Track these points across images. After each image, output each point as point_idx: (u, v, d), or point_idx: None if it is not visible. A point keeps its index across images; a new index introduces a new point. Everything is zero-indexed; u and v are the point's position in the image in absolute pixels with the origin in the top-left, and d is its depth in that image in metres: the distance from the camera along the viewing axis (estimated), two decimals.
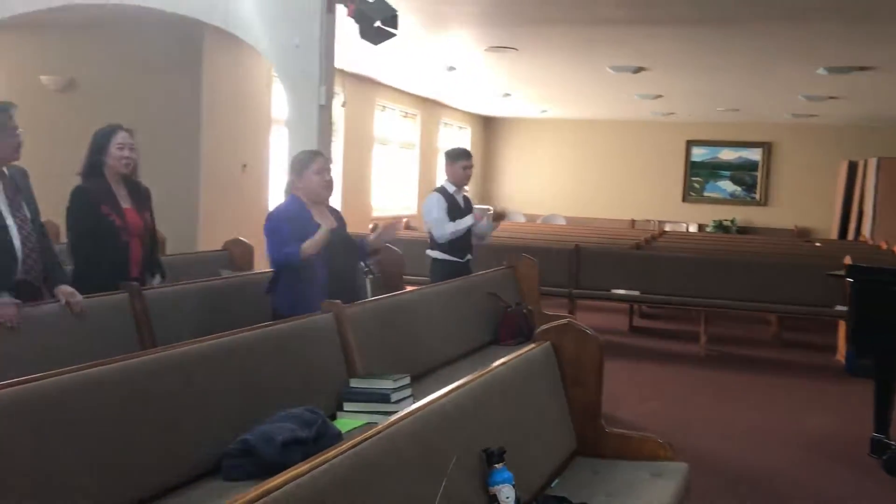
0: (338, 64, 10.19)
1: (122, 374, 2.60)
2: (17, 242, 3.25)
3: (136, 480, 2.44)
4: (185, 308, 4.17)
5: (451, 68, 10.48)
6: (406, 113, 13.75)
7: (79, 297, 3.52)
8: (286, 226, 4.02)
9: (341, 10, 6.03)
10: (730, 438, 5.24)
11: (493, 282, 5.63)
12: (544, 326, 3.31)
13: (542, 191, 16.96)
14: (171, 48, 8.02)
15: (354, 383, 3.48)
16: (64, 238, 4.32)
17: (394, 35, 6.04)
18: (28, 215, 3.31)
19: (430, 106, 14.45)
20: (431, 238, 5.83)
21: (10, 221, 3.23)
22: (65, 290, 3.51)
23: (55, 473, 2.23)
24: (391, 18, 5.94)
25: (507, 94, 13.06)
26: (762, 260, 8.57)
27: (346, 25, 6.02)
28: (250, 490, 1.58)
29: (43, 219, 3.62)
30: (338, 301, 3.73)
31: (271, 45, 6.12)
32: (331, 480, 1.76)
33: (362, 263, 4.99)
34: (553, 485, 2.87)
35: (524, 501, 2.42)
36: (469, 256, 5.87)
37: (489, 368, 2.89)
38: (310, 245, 3.90)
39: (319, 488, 1.71)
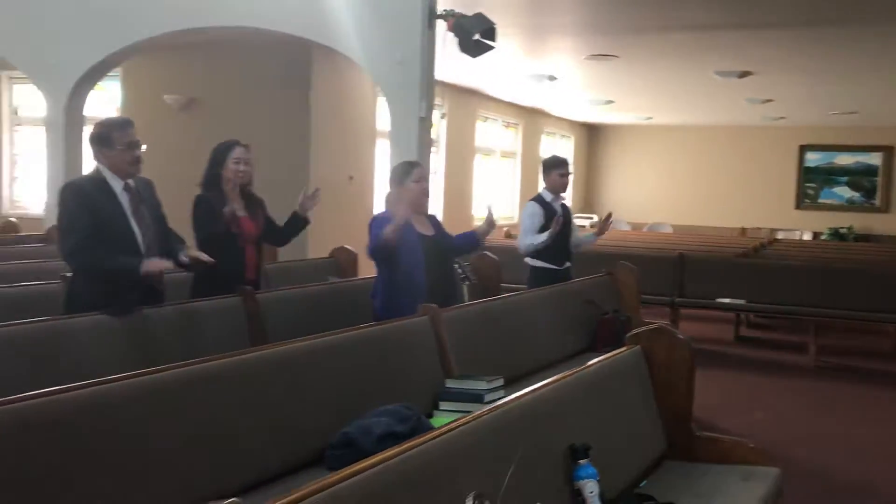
0: (439, 76, 10.44)
1: (234, 369, 2.83)
2: (141, 248, 3.55)
3: (245, 466, 2.65)
4: (294, 310, 4.42)
5: (552, 78, 10.55)
6: (508, 123, 13.88)
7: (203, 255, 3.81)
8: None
9: (441, 25, 6.24)
10: (835, 452, 5.09)
11: (591, 289, 5.66)
12: (636, 331, 3.36)
13: (648, 199, 16.70)
14: (282, 66, 8.46)
15: (450, 384, 3.62)
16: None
17: (492, 48, 6.20)
18: (150, 222, 3.62)
19: (532, 115, 14.53)
20: None
21: (134, 227, 3.55)
22: (188, 251, 3.80)
23: (171, 454, 2.46)
24: (489, 31, 6.10)
25: (610, 102, 12.99)
26: (878, 268, 8.22)
27: (446, 39, 6.21)
28: (346, 469, 1.74)
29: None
30: (434, 305, 3.88)
31: (375, 61, 6.38)
32: (418, 465, 1.90)
33: (459, 269, 5.16)
34: (641, 485, 2.92)
35: (609, 498, 2.48)
36: (568, 264, 5.91)
37: (578, 369, 2.98)
38: (389, 229, 4.02)
39: (407, 471, 1.85)
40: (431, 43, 6.36)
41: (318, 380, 3.10)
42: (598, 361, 3.14)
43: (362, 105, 9.35)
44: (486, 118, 13.05)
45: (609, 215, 6.10)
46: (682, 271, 8.28)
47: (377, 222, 4.27)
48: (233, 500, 1.33)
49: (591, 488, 2.41)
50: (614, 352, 3.26)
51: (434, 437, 2.03)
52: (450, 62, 7.35)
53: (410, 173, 4.34)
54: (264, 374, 2.91)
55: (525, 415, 2.49)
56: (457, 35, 6.13)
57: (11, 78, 10.29)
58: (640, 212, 16.73)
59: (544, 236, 5.62)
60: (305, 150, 8.58)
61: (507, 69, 10.12)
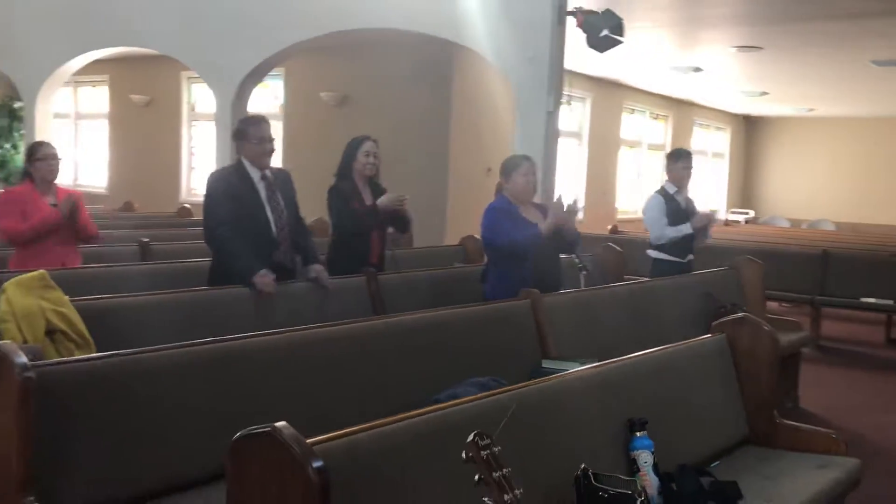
0: (583, 69, 10.56)
1: (351, 333, 3.27)
2: (273, 231, 4.04)
3: (343, 418, 3.03)
4: (412, 291, 4.80)
5: (697, 69, 10.39)
6: (657, 115, 13.72)
7: (326, 276, 4.25)
8: (505, 217, 4.49)
9: (571, 22, 6.43)
10: None
11: (712, 282, 5.68)
12: (721, 319, 3.47)
13: (808, 195, 15.91)
14: (425, 64, 8.92)
15: (546, 364, 3.86)
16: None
17: (620, 42, 6.33)
18: (283, 209, 4.09)
19: (681, 107, 14.27)
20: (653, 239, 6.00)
21: (269, 214, 4.04)
22: (317, 268, 4.26)
23: (288, 396, 2.87)
24: (617, 27, 6.24)
25: (765, 93, 12.56)
26: None
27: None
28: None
29: (314, 216, 4.37)
30: (535, 290, 4.13)
31: (506, 57, 6.68)
32: (471, 416, 2.21)
33: (577, 259, 5.34)
34: (713, 464, 3.05)
35: (665, 471, 2.66)
36: (691, 256, 5.95)
37: (658, 349, 3.15)
38: (548, 225, 4.29)
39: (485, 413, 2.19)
40: (561, 40, 6.57)
41: (422, 350, 3.45)
42: (682, 345, 3.29)
43: (500, 99, 9.66)
44: (633, 110, 12.98)
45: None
46: (824, 269, 8.00)
47: (493, 213, 4.54)
48: (283, 423, 1.67)
49: (644, 458, 2.60)
50: (698, 338, 3.38)
51: (497, 394, 2.33)
52: (594, 54, 7.43)
53: (519, 167, 4.57)
54: (378, 341, 3.32)
55: (592, 385, 2.73)
56: (585, 31, 6.31)
57: (189, 78, 11.38)
58: (799, 208, 16.00)
59: (687, 227, 5.68)
60: (445, 143, 9.01)
61: (652, 61, 10.08)
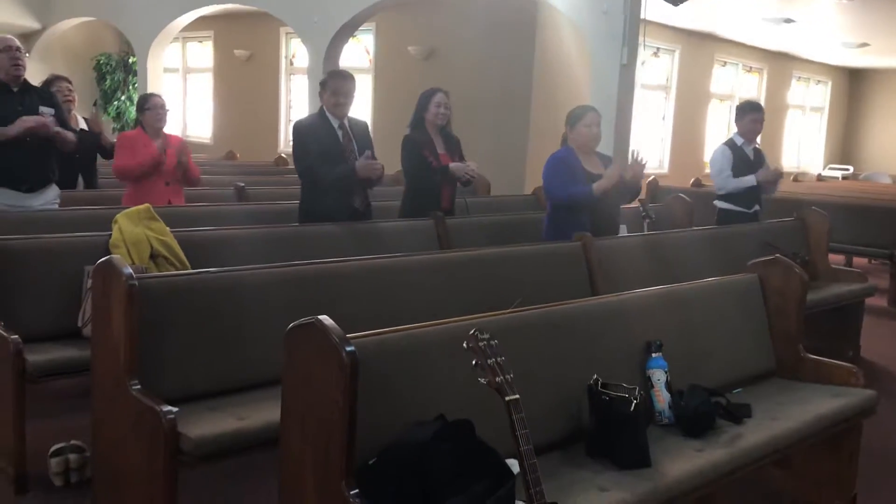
0: (671, 21, 10.51)
1: (409, 265, 3.74)
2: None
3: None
4: (478, 235, 5.16)
5: (788, 20, 10.19)
6: (750, 67, 13.46)
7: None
8: (564, 169, 4.76)
9: None
10: None
11: (776, 232, 5.79)
12: (753, 260, 3.69)
13: None
14: (508, 20, 9.13)
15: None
16: None
17: None
18: (357, 156, 4.49)
19: (778, 59, 13.92)
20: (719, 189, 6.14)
21: (346, 158, 4.47)
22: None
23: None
24: None
25: (864, 45, 12.14)
26: None
27: None
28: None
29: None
30: (587, 234, 4.42)
31: (582, 12, 6.85)
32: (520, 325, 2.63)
33: (641, 208, 5.56)
34: (735, 391, 3.32)
35: (677, 389, 2.96)
36: (757, 207, 6.06)
37: (689, 283, 3.43)
38: (600, 186, 4.50)
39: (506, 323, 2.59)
40: None
41: (476, 282, 3.84)
42: (714, 281, 3.55)
43: (578, 53, 9.79)
44: (725, 62, 12.78)
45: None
46: None
47: (554, 162, 4.81)
48: (325, 316, 2.09)
49: (658, 377, 2.92)
50: (731, 275, 3.63)
51: (523, 310, 2.69)
52: (684, 6, 7.43)
53: (583, 117, 4.80)
54: (435, 272, 3.77)
55: (620, 310, 3.05)
56: None
57: (287, 33, 11.94)
58: None
59: (751, 179, 5.80)
60: (527, 95, 9.25)
61: (743, 11, 9.94)
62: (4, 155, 4.42)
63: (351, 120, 4.61)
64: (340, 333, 2.05)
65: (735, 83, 13.20)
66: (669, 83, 11.83)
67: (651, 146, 11.66)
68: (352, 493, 1.99)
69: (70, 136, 4.68)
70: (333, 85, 4.43)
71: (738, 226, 5.69)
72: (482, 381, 1.96)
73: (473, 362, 1.96)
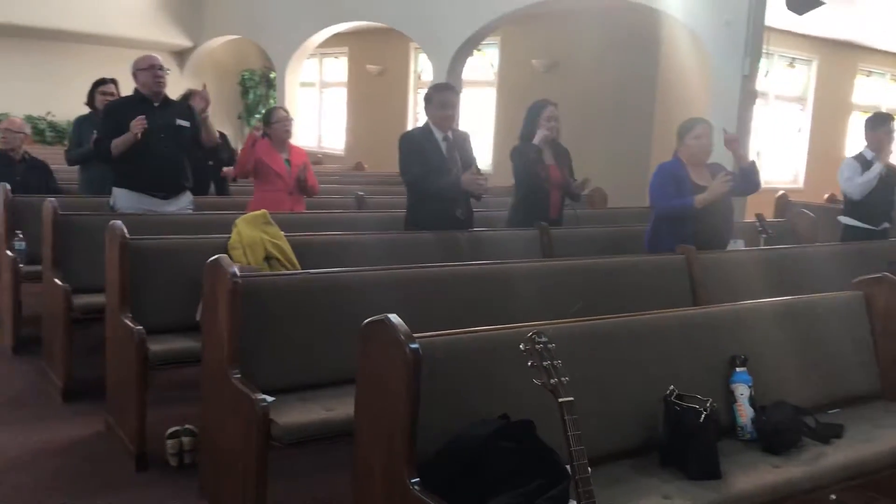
0: (808, 30, 10.10)
1: (509, 272, 3.86)
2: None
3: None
4: (582, 246, 5.18)
5: None
6: None
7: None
8: (669, 180, 4.72)
9: None
10: None
11: None
12: (859, 278, 3.55)
13: None
14: (631, 30, 9.06)
15: None
16: None
17: (822, 4, 6.17)
18: (461, 167, 4.62)
19: None
20: (845, 203, 5.88)
21: (448, 168, 4.61)
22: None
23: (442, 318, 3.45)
24: None
25: None
26: None
27: None
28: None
29: None
30: (691, 247, 4.37)
31: (704, 21, 6.74)
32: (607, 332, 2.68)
33: (757, 223, 5.42)
34: (832, 411, 3.21)
35: (761, 405, 2.91)
36: (886, 224, 5.77)
37: (788, 297, 3.35)
38: (703, 198, 4.48)
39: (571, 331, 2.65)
40: (761, 2, 6.51)
41: (576, 289, 3.91)
42: (816, 298, 3.44)
43: (701, 66, 9.57)
44: (870, 72, 12.11)
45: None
46: None
47: (660, 173, 4.77)
48: (394, 314, 2.22)
49: (741, 391, 2.88)
50: (833, 293, 3.50)
51: (597, 319, 2.74)
52: (823, 14, 7.15)
53: (692, 129, 4.74)
54: (535, 279, 3.89)
55: (705, 324, 3.03)
56: None
57: (416, 49, 12.31)
58: None
59: (877, 167, 5.57)
60: (650, 107, 9.13)
61: (889, 18, 9.40)
62: (143, 165, 4.86)
63: (454, 131, 4.76)
64: (406, 331, 2.18)
65: (881, 94, 12.46)
66: (806, 94, 11.34)
67: (783, 160, 11.21)
68: (413, 481, 2.12)
69: (214, 131, 5.57)
70: (440, 98, 4.59)
71: (862, 243, 5.44)
72: (537, 382, 2.03)
73: (529, 363, 2.04)
